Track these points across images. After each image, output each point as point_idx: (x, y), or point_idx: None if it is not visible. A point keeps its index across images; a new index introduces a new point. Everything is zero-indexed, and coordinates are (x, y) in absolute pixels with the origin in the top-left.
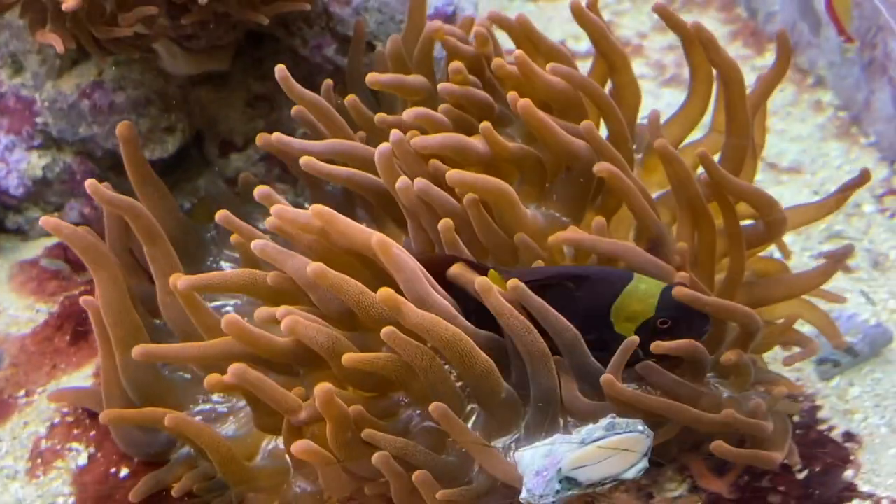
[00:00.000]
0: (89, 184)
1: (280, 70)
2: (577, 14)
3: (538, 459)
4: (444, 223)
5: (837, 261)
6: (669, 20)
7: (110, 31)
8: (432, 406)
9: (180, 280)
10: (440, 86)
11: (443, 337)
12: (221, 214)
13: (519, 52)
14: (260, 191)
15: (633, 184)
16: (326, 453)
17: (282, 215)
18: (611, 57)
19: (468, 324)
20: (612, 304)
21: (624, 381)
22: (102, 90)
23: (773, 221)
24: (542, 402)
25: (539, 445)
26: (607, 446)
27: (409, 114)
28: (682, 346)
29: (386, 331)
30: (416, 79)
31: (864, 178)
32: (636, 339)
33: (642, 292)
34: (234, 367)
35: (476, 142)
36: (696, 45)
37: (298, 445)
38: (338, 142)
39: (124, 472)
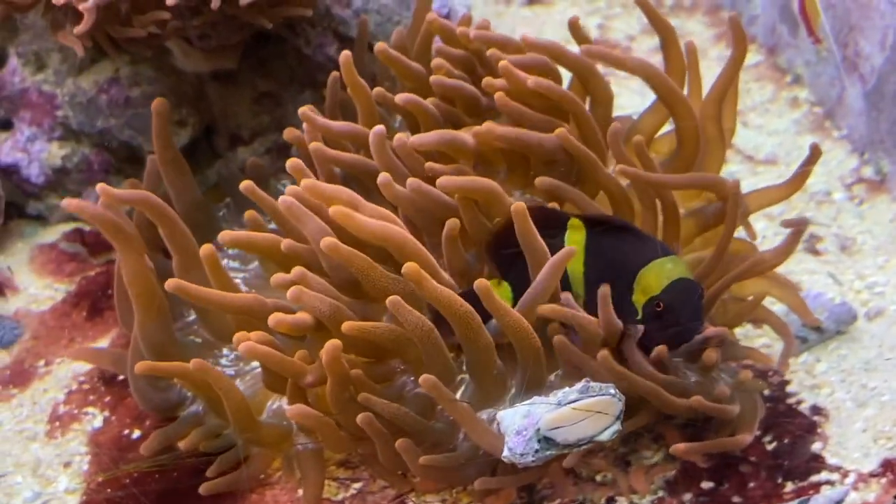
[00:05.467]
0: (100, 188)
1: (345, 55)
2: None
3: (518, 419)
4: (451, 223)
5: (798, 231)
6: (651, 15)
7: (125, 32)
8: (422, 378)
9: (223, 234)
10: (432, 78)
11: (457, 311)
12: (246, 184)
13: (504, 63)
14: (291, 163)
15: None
16: (320, 415)
17: (312, 188)
18: (582, 72)
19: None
20: (640, 269)
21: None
22: (119, 86)
23: (726, 194)
24: (527, 385)
25: (519, 406)
26: (582, 408)
27: (401, 98)
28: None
29: (392, 299)
30: (416, 65)
31: (815, 153)
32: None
33: (666, 270)
34: (244, 346)
35: (466, 136)
36: (673, 39)
37: (293, 410)
38: (354, 126)
39: (136, 433)
